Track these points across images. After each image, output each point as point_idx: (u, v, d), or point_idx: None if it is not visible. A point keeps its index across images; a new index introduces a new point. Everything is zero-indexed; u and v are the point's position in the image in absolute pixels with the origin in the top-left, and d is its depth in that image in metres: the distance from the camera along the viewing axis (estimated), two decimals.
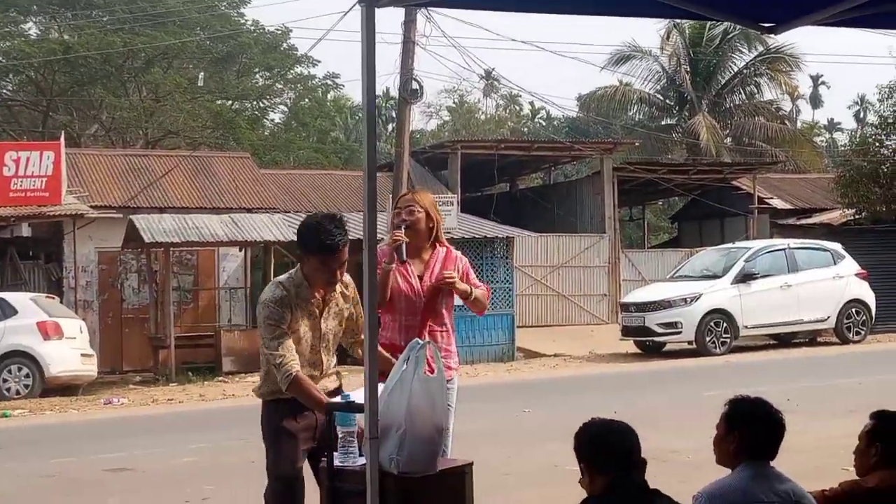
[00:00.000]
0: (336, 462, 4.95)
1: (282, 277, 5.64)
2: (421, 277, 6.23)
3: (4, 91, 40.74)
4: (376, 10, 4.49)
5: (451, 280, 6.18)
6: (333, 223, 5.43)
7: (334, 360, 5.76)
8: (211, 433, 13.08)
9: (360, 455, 4.84)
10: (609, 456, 4.06)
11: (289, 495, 5.49)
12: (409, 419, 4.68)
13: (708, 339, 22.13)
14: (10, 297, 20.27)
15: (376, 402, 4.62)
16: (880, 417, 4.79)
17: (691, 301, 22.30)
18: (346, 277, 5.68)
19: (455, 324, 6.46)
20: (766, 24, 5.32)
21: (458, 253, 6.48)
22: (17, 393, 19.13)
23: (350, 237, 5.58)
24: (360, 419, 4.87)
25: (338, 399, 5.21)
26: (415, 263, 6.25)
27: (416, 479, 4.75)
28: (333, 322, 5.65)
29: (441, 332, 6.29)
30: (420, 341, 4.89)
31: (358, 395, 4.93)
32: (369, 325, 4.71)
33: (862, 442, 4.76)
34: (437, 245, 6.36)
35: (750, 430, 4.32)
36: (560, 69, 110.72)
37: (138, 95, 38.80)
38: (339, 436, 4.94)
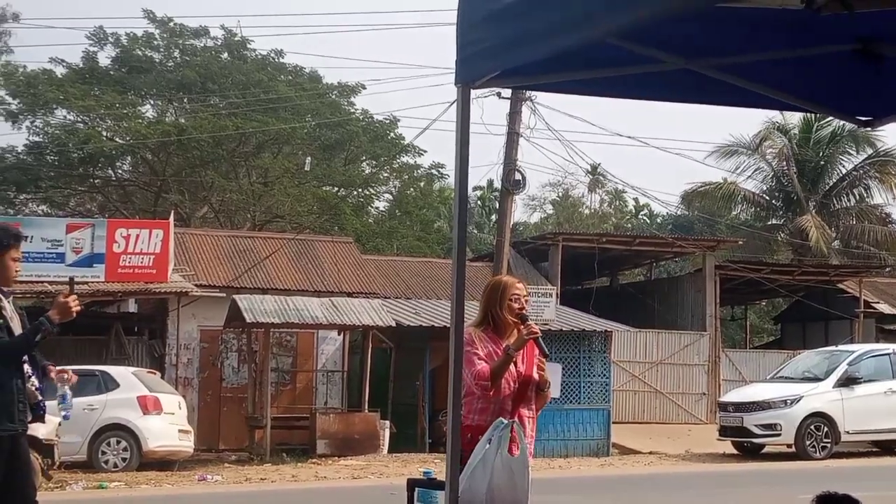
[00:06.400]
0: None
1: None
2: (515, 363, 6.19)
3: (120, 171, 41.89)
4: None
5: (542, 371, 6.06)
6: None
7: None
8: None
9: None
10: None
11: None
12: (489, 498, 4.69)
13: (808, 442, 21.69)
14: (113, 370, 20.69)
15: (457, 479, 4.64)
16: (821, 499, 4.50)
17: (791, 403, 21.89)
18: None
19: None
20: (863, 118, 5.32)
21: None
22: (115, 466, 19.44)
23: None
24: (441, 497, 4.90)
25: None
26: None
27: None
28: None
29: (529, 418, 5.92)
30: (504, 421, 4.91)
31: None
32: (453, 405, 4.73)
33: None
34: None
35: None
36: (665, 163, 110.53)
37: (248, 179, 39.60)
38: None
